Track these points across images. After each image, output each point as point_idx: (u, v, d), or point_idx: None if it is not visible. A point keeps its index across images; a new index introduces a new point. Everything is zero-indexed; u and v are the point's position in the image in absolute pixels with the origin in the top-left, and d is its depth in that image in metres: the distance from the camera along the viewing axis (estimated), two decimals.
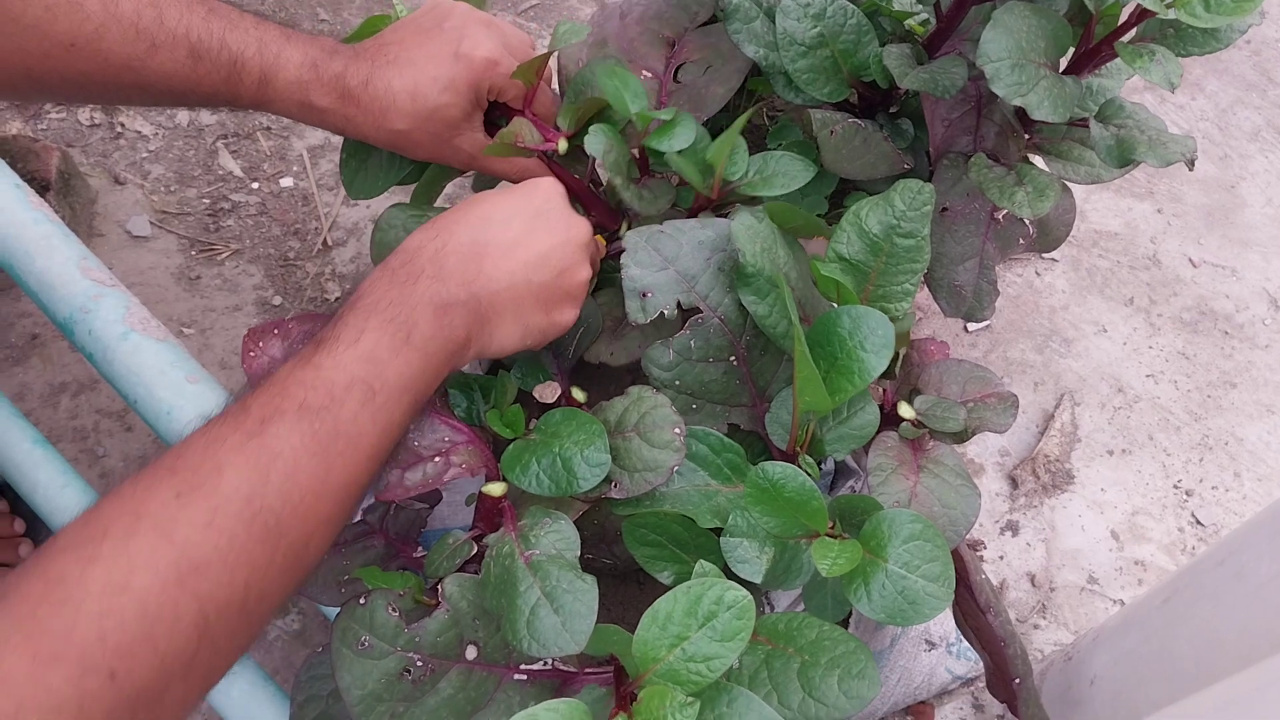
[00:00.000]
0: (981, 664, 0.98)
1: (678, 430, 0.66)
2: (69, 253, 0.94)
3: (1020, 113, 0.81)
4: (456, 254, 0.59)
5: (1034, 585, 1.02)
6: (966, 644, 0.97)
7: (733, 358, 0.71)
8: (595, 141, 0.72)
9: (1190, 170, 0.68)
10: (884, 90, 0.80)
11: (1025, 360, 1.16)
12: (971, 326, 1.17)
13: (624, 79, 0.74)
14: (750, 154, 0.76)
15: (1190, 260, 1.26)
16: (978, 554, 1.03)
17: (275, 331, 0.65)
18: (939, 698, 0.96)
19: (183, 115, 1.26)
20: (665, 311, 0.69)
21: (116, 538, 0.42)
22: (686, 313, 0.70)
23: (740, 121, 0.70)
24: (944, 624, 0.95)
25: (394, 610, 0.60)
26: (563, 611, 0.57)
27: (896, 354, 0.76)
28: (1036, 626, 1.00)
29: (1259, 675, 0.40)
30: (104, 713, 0.39)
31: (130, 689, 0.40)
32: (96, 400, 1.09)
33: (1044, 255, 1.23)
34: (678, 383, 0.70)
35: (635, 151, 0.77)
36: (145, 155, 1.23)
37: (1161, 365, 1.17)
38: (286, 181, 1.23)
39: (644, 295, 0.69)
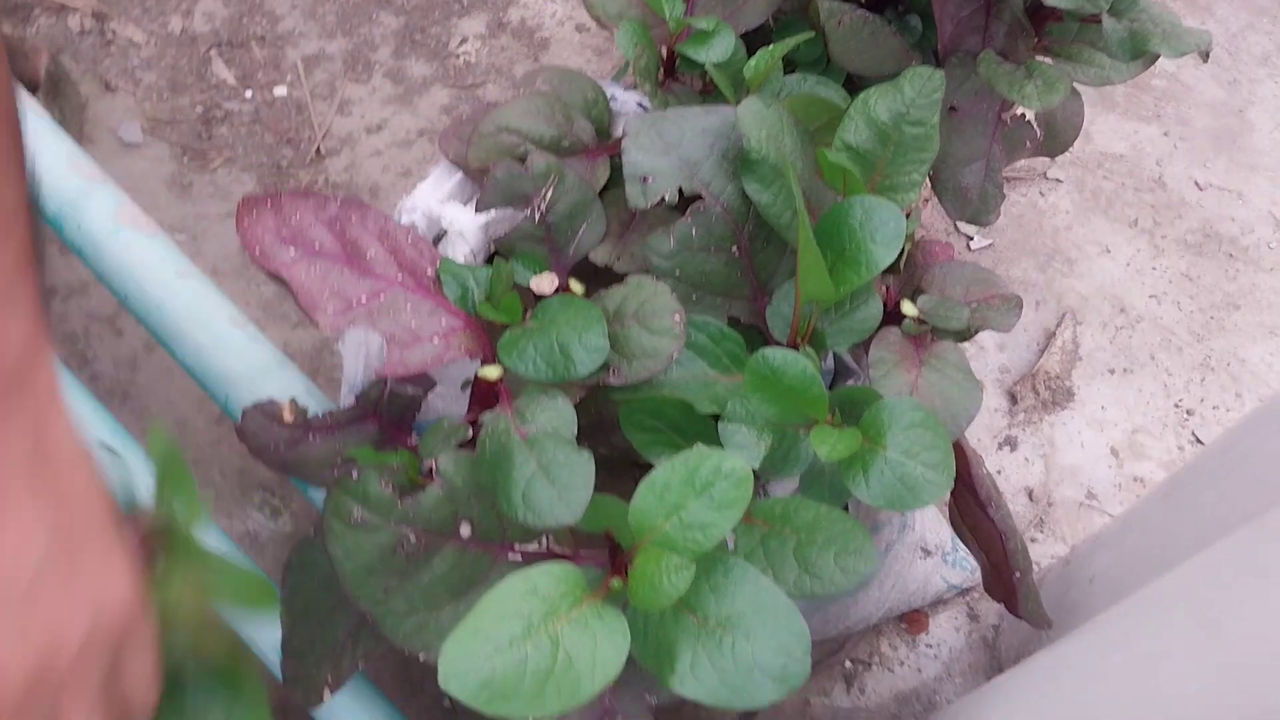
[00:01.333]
0: (977, 574, 0.98)
1: (677, 317, 0.65)
2: (58, 148, 0.92)
3: (1030, 11, 0.80)
4: None
5: (1031, 500, 1.02)
6: (963, 553, 0.97)
7: (734, 248, 0.70)
8: (625, 40, 0.71)
9: (1204, 60, 0.67)
10: None
11: (1028, 279, 1.15)
12: (974, 244, 1.16)
13: None
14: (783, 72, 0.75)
15: (1196, 183, 1.24)
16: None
17: (269, 204, 0.64)
18: (934, 606, 0.96)
19: (176, 22, 1.24)
20: (666, 197, 0.68)
21: None
22: (688, 202, 0.69)
23: (783, 46, 0.70)
24: (940, 533, 0.95)
25: (388, 485, 0.59)
26: (558, 483, 0.56)
27: (902, 250, 0.76)
28: (1034, 540, 1.00)
29: (1247, 536, 0.40)
30: None
31: None
32: (86, 304, 1.08)
33: (1048, 176, 1.22)
34: (678, 272, 0.69)
35: (664, 50, 0.76)
36: (137, 63, 1.21)
37: (1165, 286, 1.16)
38: (280, 90, 1.20)
39: (645, 180, 0.68)
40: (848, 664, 0.93)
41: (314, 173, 1.16)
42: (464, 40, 1.24)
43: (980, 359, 1.09)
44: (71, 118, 1.15)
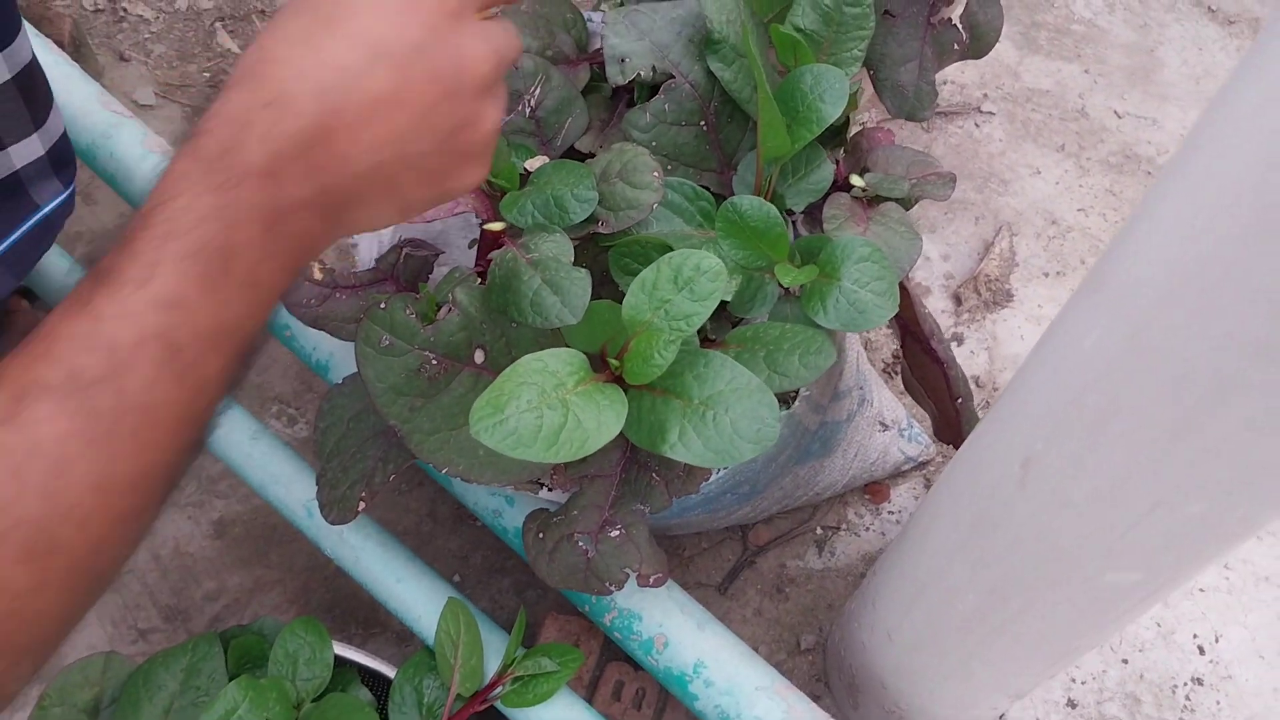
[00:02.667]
0: (930, 448, 1.08)
1: (656, 174, 0.75)
2: (88, 89, 1.00)
3: None
4: (296, 134, 0.40)
5: (979, 386, 1.12)
6: (918, 429, 1.07)
7: (702, 123, 0.80)
8: None
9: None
10: None
11: (966, 199, 1.26)
12: None
13: None
14: None
15: (1115, 112, 1.36)
16: None
17: None
18: (894, 478, 1.06)
19: (181, 0, 1.32)
20: (641, 73, 0.77)
21: None
22: (660, 82, 0.79)
23: None
24: (895, 410, 1.05)
25: (412, 313, 0.68)
26: (561, 292, 0.65)
27: (847, 120, 0.86)
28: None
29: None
30: None
31: None
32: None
33: (982, 110, 1.33)
34: (653, 144, 0.79)
35: None
36: (147, 36, 1.29)
37: (1091, 201, 1.27)
38: None
39: (622, 60, 0.78)
40: (818, 530, 1.02)
41: None
42: None
43: (926, 268, 1.19)
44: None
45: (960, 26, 0.94)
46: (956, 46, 0.96)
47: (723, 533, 1.00)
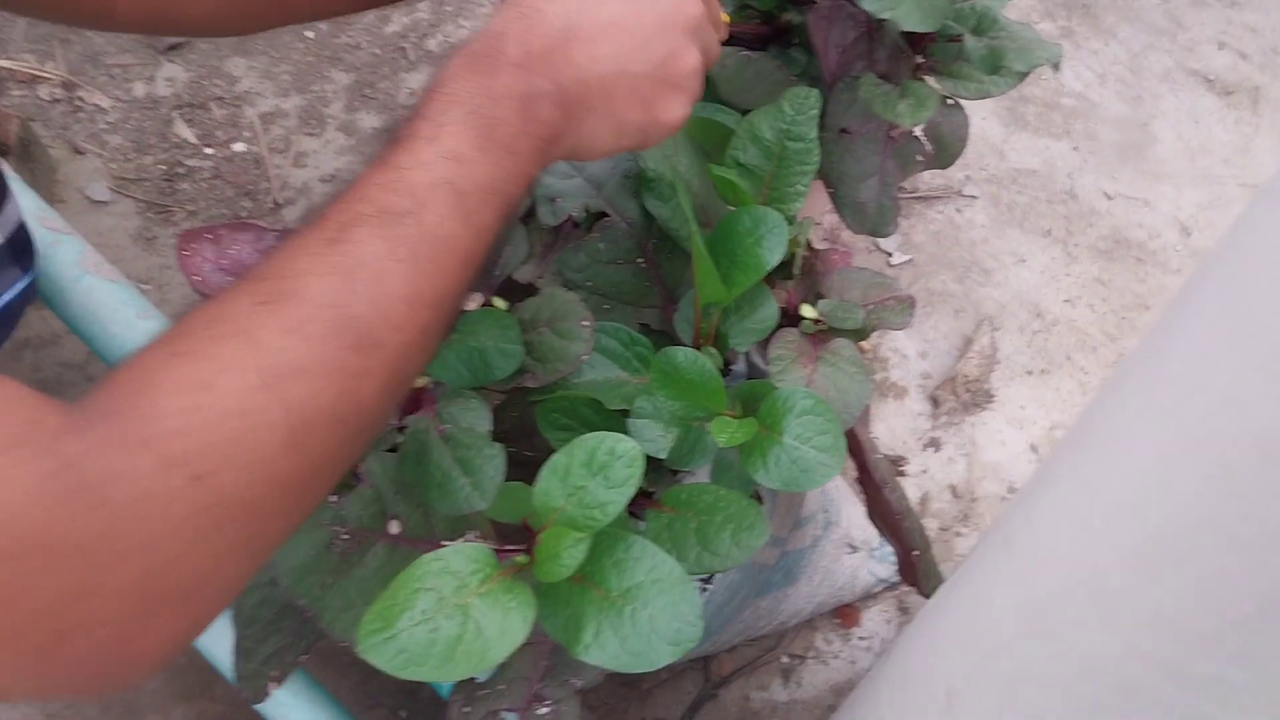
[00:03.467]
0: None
1: (585, 323, 0.71)
2: (26, 205, 0.98)
3: (908, 36, 0.86)
4: (543, 38, 0.52)
5: (956, 496, 1.08)
6: (889, 548, 1.03)
7: (640, 259, 0.76)
8: None
9: (1055, 71, 0.73)
10: (773, 22, 0.86)
11: (946, 290, 1.21)
12: (895, 258, 1.23)
13: None
14: None
15: (1105, 194, 1.31)
16: (901, 467, 1.09)
17: (208, 236, 0.70)
18: (864, 600, 1.01)
19: (140, 88, 1.30)
20: (573, 215, 0.74)
21: (201, 339, 0.40)
22: (595, 219, 0.75)
23: None
24: (865, 530, 1.00)
25: None
26: (473, 473, 0.61)
27: (794, 255, 0.82)
28: (959, 534, 1.06)
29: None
30: (189, 514, 0.37)
31: (218, 494, 0.38)
32: (58, 354, 1.13)
33: (964, 194, 1.29)
34: (590, 284, 0.75)
35: None
36: (104, 126, 1.27)
37: (1078, 291, 1.23)
38: (239, 146, 1.27)
39: (553, 200, 0.74)
40: (784, 659, 0.98)
41: (272, 221, 1.22)
42: (412, 93, 1.30)
43: (903, 366, 1.15)
44: (42, 179, 1.20)
45: (923, 138, 0.90)
46: (920, 158, 0.92)
47: (683, 662, 0.96)
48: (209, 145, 1.26)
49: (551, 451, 0.73)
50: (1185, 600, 0.31)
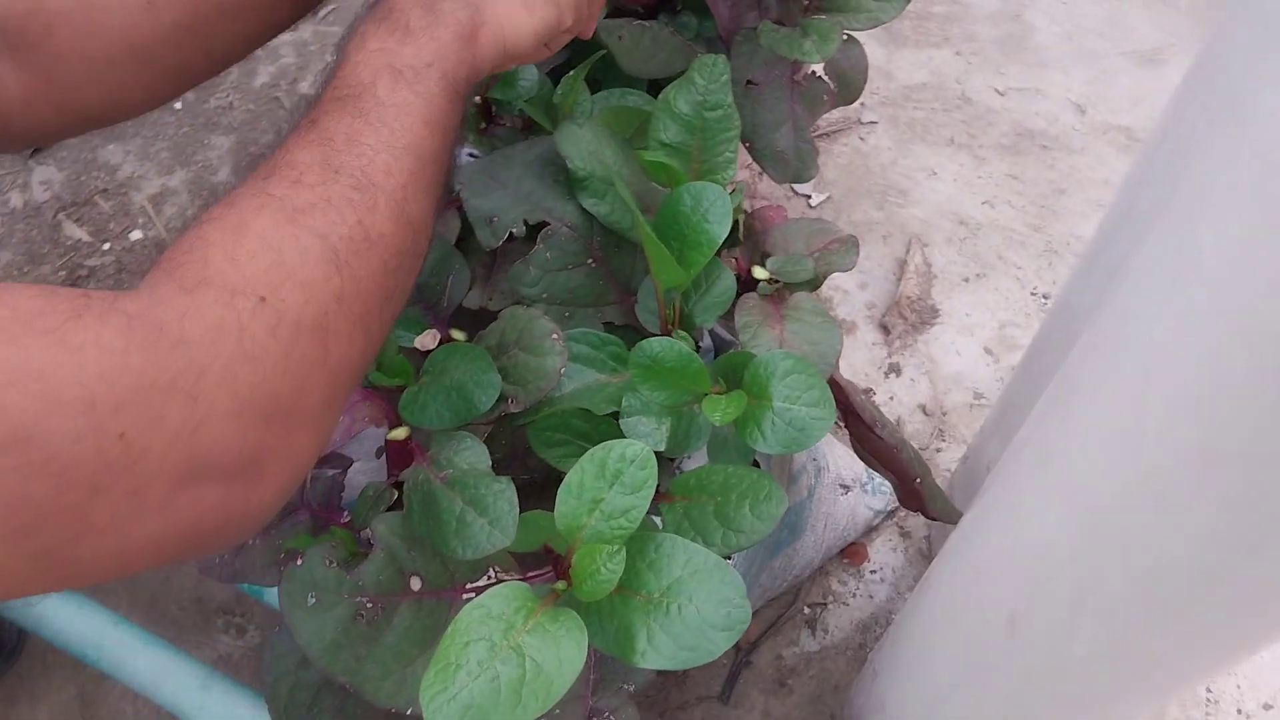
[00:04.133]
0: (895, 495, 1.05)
1: (555, 336, 0.70)
2: None
3: None
4: None
5: (926, 415, 1.10)
6: (879, 480, 1.04)
7: (590, 260, 0.75)
8: None
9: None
10: None
11: (869, 219, 1.23)
12: (814, 199, 1.24)
13: None
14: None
15: (997, 90, 1.34)
16: (870, 396, 1.10)
17: None
18: (867, 535, 1.03)
19: (15, 198, 1.24)
20: (514, 231, 0.72)
21: (221, 210, 0.45)
22: (536, 230, 0.74)
23: (582, 69, 0.75)
24: (853, 467, 1.02)
25: (331, 562, 0.63)
26: (487, 512, 0.60)
27: (736, 222, 0.82)
28: (939, 450, 1.08)
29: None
30: (266, 331, 0.41)
31: (284, 312, 0.42)
32: None
33: (864, 121, 1.30)
34: (546, 295, 0.74)
35: (479, 100, 0.81)
36: None
37: (994, 191, 1.25)
38: (136, 235, 1.22)
39: (490, 221, 0.73)
40: (806, 610, 0.99)
41: None
42: None
43: (847, 302, 1.16)
44: None
45: (826, 77, 0.91)
46: (826, 97, 0.92)
47: None
48: (105, 240, 1.21)
49: (548, 471, 0.73)
50: (1258, 481, 0.31)
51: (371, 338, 0.49)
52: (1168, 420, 0.33)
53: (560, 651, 0.55)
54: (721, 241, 0.70)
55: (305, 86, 1.32)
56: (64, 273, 1.20)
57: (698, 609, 0.58)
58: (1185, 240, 0.32)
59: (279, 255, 0.43)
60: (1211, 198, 0.30)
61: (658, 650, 0.57)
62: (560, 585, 0.58)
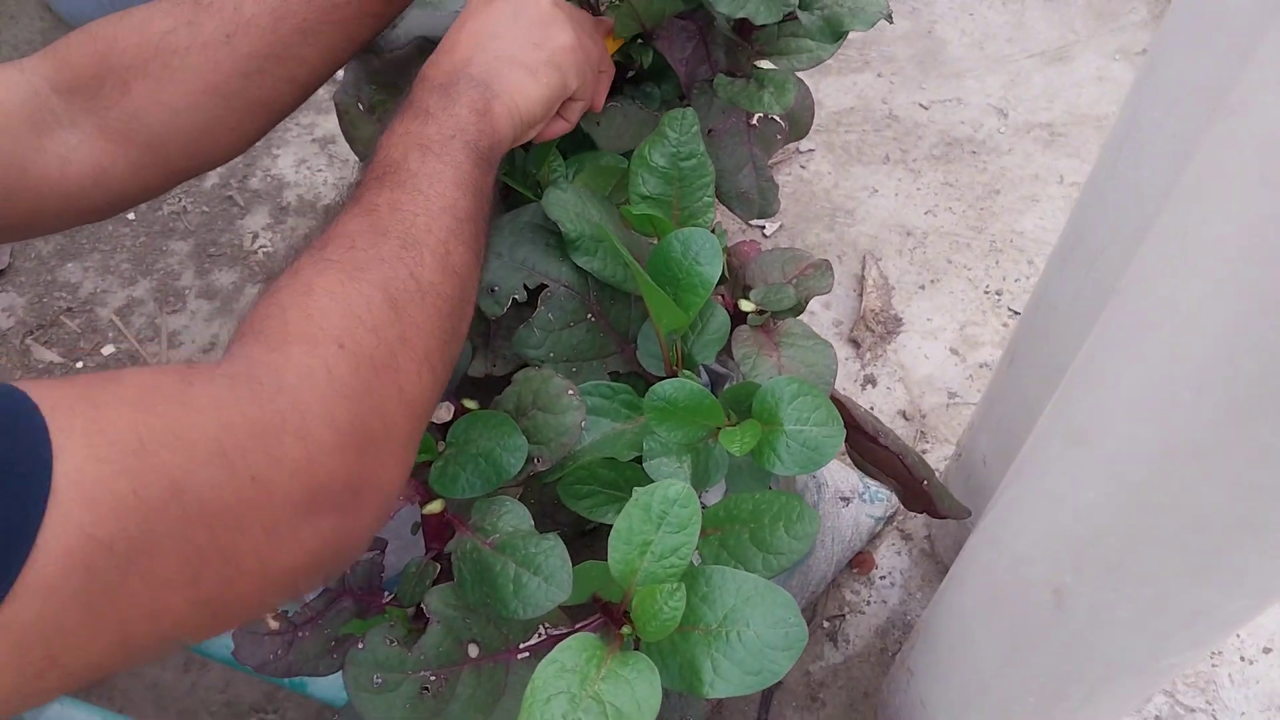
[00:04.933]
0: (893, 499, 1.09)
1: (571, 392, 0.73)
2: None
3: (737, 27, 0.91)
4: (432, 64, 0.65)
5: (907, 419, 1.14)
6: (875, 488, 1.08)
7: (589, 315, 0.78)
8: None
9: (890, 23, 0.79)
10: (629, 65, 0.89)
11: (822, 241, 1.28)
12: (768, 230, 1.28)
13: None
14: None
15: (921, 105, 1.41)
16: None
17: None
18: (872, 543, 1.06)
19: None
20: (515, 297, 0.75)
21: (286, 279, 0.49)
22: (535, 293, 0.77)
23: (549, 144, 0.79)
24: (850, 479, 1.05)
25: (391, 641, 0.64)
26: (541, 571, 0.62)
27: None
28: (924, 451, 1.12)
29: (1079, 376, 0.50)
30: (349, 372, 0.45)
31: (360, 354, 0.46)
32: None
33: (802, 149, 1.36)
34: (552, 355, 0.77)
35: None
36: None
37: (933, 200, 1.31)
38: (109, 350, 1.22)
39: (491, 290, 0.75)
40: (825, 624, 1.02)
41: None
42: (255, 236, 1.28)
43: (815, 322, 1.21)
44: None
45: (778, 118, 0.95)
46: (779, 136, 0.97)
47: None
48: (77, 360, 1.21)
49: (577, 523, 0.75)
50: None
51: (437, 375, 0.53)
52: (1199, 387, 0.37)
53: (636, 693, 0.57)
54: (716, 281, 0.73)
55: (256, 183, 1.34)
56: None
57: (756, 634, 0.60)
58: (1197, 221, 0.36)
59: (348, 307, 0.48)
60: (1214, 185, 0.34)
61: (725, 678, 0.60)
62: (625, 630, 0.60)
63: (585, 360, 0.78)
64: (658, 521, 0.60)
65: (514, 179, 0.81)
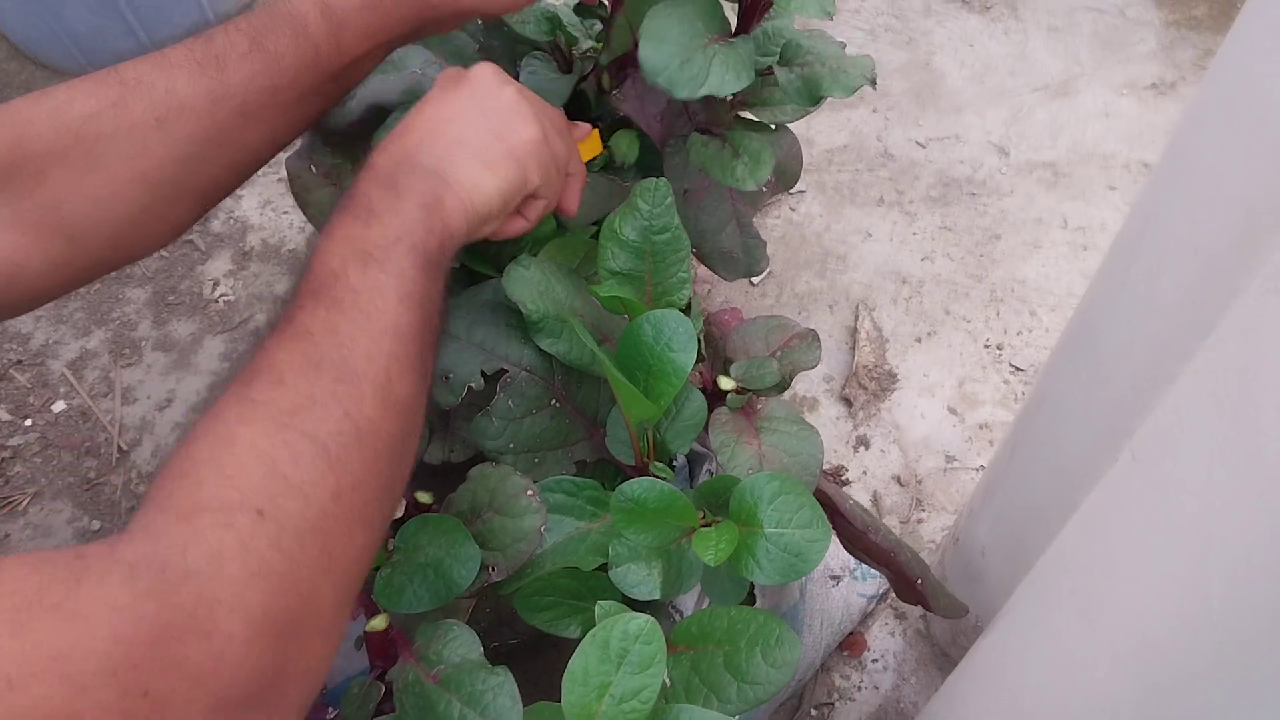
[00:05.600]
0: (885, 578, 1.02)
1: (530, 493, 0.67)
2: None
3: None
4: (381, 150, 0.60)
5: (902, 485, 1.08)
6: (866, 566, 1.02)
7: (554, 401, 0.72)
8: None
9: (874, 89, 0.73)
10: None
11: (812, 289, 1.21)
12: (756, 280, 1.22)
13: None
14: None
15: (917, 143, 1.34)
16: (842, 478, 1.08)
17: None
18: (863, 623, 1.00)
19: None
20: (472, 385, 0.69)
21: (204, 426, 0.44)
22: (494, 379, 0.71)
23: None
24: (840, 556, 0.99)
25: None
26: (489, 713, 0.56)
27: (698, 338, 0.79)
28: (920, 520, 1.06)
29: (1102, 496, 0.44)
30: (269, 545, 0.40)
31: (284, 522, 0.41)
32: None
33: (792, 191, 1.30)
34: (512, 445, 0.71)
35: None
36: None
37: (930, 245, 1.25)
38: (59, 406, 1.16)
39: (445, 378, 0.69)
40: (813, 713, 0.96)
41: (124, 472, 1.11)
42: (216, 284, 1.22)
43: (805, 378, 1.15)
44: None
45: None
46: (765, 190, 0.91)
47: None
48: (26, 416, 1.14)
49: (538, 631, 0.69)
50: None
51: (373, 530, 0.48)
52: (1232, 588, 0.31)
53: None
54: (689, 369, 0.67)
55: (218, 226, 1.28)
56: (5, 455, 1.13)
57: None
58: (1253, 373, 0.30)
59: (272, 464, 0.43)
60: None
61: None
62: None
63: (549, 449, 0.72)
64: (617, 660, 0.54)
65: (470, 255, 0.75)
